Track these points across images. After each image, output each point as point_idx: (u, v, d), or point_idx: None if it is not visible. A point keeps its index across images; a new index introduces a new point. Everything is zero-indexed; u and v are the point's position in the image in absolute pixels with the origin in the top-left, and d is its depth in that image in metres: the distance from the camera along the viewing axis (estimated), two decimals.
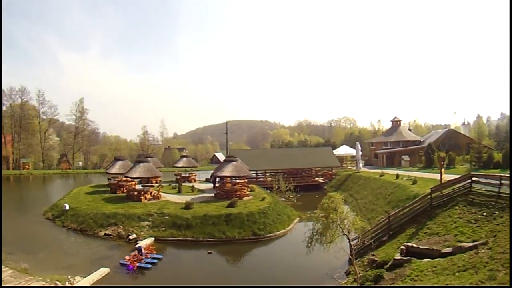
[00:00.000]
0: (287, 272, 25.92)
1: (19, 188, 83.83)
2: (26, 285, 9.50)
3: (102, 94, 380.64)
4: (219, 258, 30.07)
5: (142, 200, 42.42)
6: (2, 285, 8.17)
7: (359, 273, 19.30)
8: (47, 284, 11.69)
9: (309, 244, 19.21)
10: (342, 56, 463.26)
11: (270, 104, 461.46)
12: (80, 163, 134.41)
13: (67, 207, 41.42)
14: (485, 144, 61.01)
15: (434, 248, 19.87)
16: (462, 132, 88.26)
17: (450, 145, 67.06)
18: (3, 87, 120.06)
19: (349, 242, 19.80)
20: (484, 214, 22.52)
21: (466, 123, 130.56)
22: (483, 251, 17.67)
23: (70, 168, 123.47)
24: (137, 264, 26.90)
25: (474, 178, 26.95)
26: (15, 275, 12.30)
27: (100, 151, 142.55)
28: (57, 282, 22.33)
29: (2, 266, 13.38)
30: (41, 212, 44.82)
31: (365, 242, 24.68)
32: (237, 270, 27.94)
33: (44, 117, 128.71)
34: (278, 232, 35.71)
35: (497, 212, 21.90)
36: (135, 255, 28.03)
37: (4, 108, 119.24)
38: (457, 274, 15.62)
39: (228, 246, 32.54)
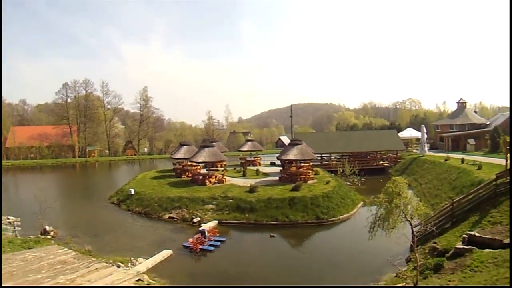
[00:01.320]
0: (348, 257, 26.16)
1: (85, 174, 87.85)
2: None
3: (166, 82, 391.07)
4: (281, 241, 30.62)
5: (207, 184, 43.55)
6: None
7: (420, 260, 19.20)
8: (102, 266, 12.62)
9: (371, 230, 19.20)
10: (407, 36, 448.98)
11: (335, 87, 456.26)
12: (145, 149, 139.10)
13: (133, 192, 43.18)
14: None
15: (497, 238, 19.54)
16: None
17: None
18: (68, 81, 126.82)
19: (412, 228, 19.43)
20: None
21: None
22: None
23: (135, 154, 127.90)
24: (200, 247, 27.55)
25: None
26: (77, 256, 13.27)
27: (165, 137, 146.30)
28: (119, 263, 23.01)
29: (65, 248, 14.49)
30: (106, 197, 46.86)
31: (428, 229, 24.27)
32: (298, 254, 28.34)
33: (109, 106, 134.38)
34: (341, 216, 35.77)
35: None
36: (199, 237, 28.76)
37: (69, 100, 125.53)
38: None
39: (291, 230, 32.98)
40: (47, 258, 12.85)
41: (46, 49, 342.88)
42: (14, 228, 29.51)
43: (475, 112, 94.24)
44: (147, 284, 20.33)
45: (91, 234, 32.01)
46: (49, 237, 30.44)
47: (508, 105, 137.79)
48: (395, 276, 20.93)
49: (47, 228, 31.67)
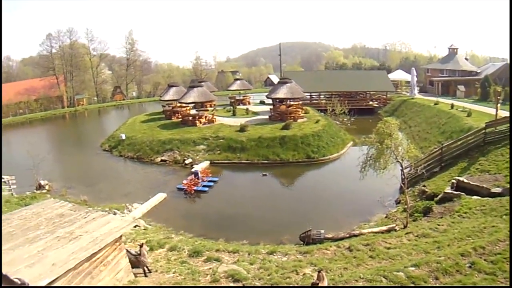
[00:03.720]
0: (339, 196, 26.94)
1: (75, 124, 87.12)
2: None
3: (152, 23, 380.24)
4: (273, 180, 31.30)
5: (197, 124, 43.78)
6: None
7: (410, 202, 19.83)
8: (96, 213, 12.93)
9: (363, 169, 19.47)
10: None
11: (324, 26, 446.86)
12: (134, 93, 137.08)
13: (123, 137, 43.12)
14: None
15: (484, 186, 20.23)
16: None
17: (507, 80, 64.15)
18: (51, 31, 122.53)
19: (402, 170, 19.80)
20: None
21: None
22: None
23: (124, 99, 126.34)
24: (194, 188, 28.08)
25: None
26: (74, 208, 13.28)
27: (153, 80, 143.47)
28: (115, 210, 23.57)
29: (62, 201, 14.69)
30: (98, 145, 46.63)
31: (417, 171, 24.76)
32: (290, 192, 29.13)
33: (94, 53, 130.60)
34: (331, 156, 36.38)
35: None
36: (192, 179, 29.23)
37: (53, 50, 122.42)
38: (504, 217, 15.83)
39: (282, 169, 33.60)
40: (44, 213, 12.91)
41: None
42: (10, 187, 29.39)
43: (466, 59, 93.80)
44: (144, 229, 20.85)
45: (85, 183, 32.20)
46: (44, 191, 30.60)
47: (499, 55, 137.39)
48: (385, 217, 21.68)
49: (42, 182, 31.68)
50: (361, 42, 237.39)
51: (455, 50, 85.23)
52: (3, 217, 13.17)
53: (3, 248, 9.95)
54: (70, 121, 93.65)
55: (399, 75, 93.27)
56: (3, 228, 11.68)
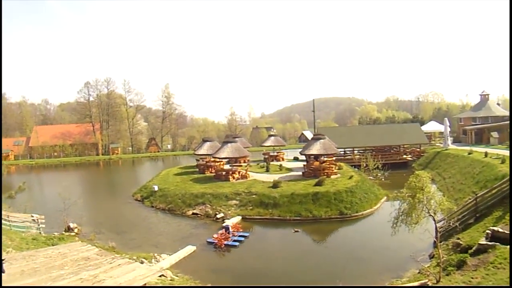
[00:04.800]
0: (371, 253, 26.21)
1: (108, 171, 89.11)
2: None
3: (188, 78, 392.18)
4: (305, 237, 30.88)
5: (230, 179, 43.87)
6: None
7: (443, 256, 19.22)
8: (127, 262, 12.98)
9: (395, 225, 19.16)
10: (429, 29, 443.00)
11: (357, 80, 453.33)
12: (168, 145, 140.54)
13: (156, 188, 43.75)
14: None
15: None
16: None
17: None
18: (89, 79, 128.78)
19: (435, 223, 19.39)
20: None
21: None
22: None
23: (158, 151, 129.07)
24: (225, 242, 27.87)
25: None
26: (101, 253, 13.49)
27: (188, 134, 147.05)
28: (143, 259, 23.57)
29: (89, 245, 14.90)
30: (130, 194, 47.53)
31: (451, 224, 24.16)
32: (322, 250, 28.61)
33: (131, 104, 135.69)
34: (364, 212, 35.82)
35: None
36: (223, 233, 29.10)
37: (91, 98, 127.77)
38: None
39: (314, 225, 33.18)
40: (70, 254, 13.16)
41: (63, 48, 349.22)
42: (39, 226, 30.16)
43: (498, 104, 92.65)
44: (170, 280, 20.82)
45: (115, 230, 32.77)
46: (73, 234, 31.23)
47: None
48: (418, 272, 21.01)
49: (71, 225, 32.41)
50: (394, 95, 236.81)
51: (487, 96, 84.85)
52: (29, 253, 13.44)
53: (26, 282, 10.08)
54: (103, 169, 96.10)
55: (432, 126, 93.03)
56: (27, 264, 11.88)
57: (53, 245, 21.87)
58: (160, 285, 17.28)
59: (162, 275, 20.11)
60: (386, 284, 19.72)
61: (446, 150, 63.56)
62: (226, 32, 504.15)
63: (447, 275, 18.50)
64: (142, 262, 22.37)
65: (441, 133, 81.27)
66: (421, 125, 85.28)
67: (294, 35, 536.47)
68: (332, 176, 43.74)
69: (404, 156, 70.61)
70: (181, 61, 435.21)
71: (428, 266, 21.05)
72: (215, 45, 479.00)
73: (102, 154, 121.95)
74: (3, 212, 29.41)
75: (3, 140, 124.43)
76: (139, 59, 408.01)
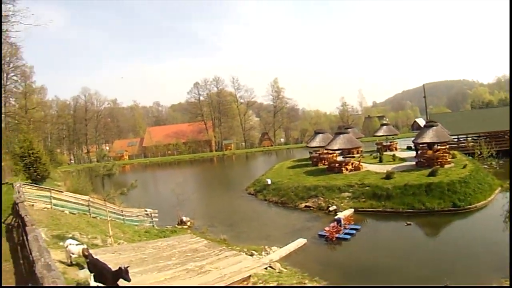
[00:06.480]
0: (484, 248, 24.46)
1: (221, 167, 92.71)
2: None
3: (298, 71, 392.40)
4: (417, 230, 30.24)
5: (343, 171, 44.47)
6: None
7: None
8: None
9: (507, 219, 18.31)
10: None
11: (466, 60, 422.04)
12: (281, 139, 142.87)
13: (269, 182, 45.55)
14: None
15: None
16: None
17: None
18: (198, 80, 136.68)
19: None
20: None
21: None
22: None
23: (272, 145, 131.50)
24: (336, 235, 28.14)
25: None
26: (209, 245, 14.14)
27: (301, 126, 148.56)
28: (253, 251, 24.97)
29: (198, 237, 15.85)
30: (243, 188, 49.80)
31: None
32: (433, 244, 27.61)
33: (241, 100, 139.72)
34: (478, 204, 34.05)
35: None
36: (335, 226, 29.37)
37: (201, 98, 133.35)
38: None
39: (427, 218, 32.35)
40: (179, 246, 14.11)
41: (172, 52, 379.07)
42: (152, 219, 33.11)
43: None
44: (278, 272, 21.49)
45: (227, 223, 34.66)
46: (185, 227, 33.93)
47: None
48: None
49: (184, 218, 35.06)
50: (505, 74, 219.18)
51: None
52: (139, 244, 14.75)
53: (132, 271, 10.71)
54: (217, 164, 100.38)
55: None
56: (135, 254, 13.01)
57: (164, 237, 23.49)
58: (260, 283, 17.74)
59: (270, 266, 20.79)
60: (493, 283, 19.01)
61: None
62: (329, 19, 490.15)
63: None
64: (252, 255, 23.40)
65: None
66: None
67: (399, 17, 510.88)
68: (446, 166, 42.22)
69: None
70: (290, 53, 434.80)
71: None
72: (320, 36, 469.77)
73: (216, 151, 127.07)
74: (116, 207, 32.70)
75: (118, 142, 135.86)
76: (246, 55, 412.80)
